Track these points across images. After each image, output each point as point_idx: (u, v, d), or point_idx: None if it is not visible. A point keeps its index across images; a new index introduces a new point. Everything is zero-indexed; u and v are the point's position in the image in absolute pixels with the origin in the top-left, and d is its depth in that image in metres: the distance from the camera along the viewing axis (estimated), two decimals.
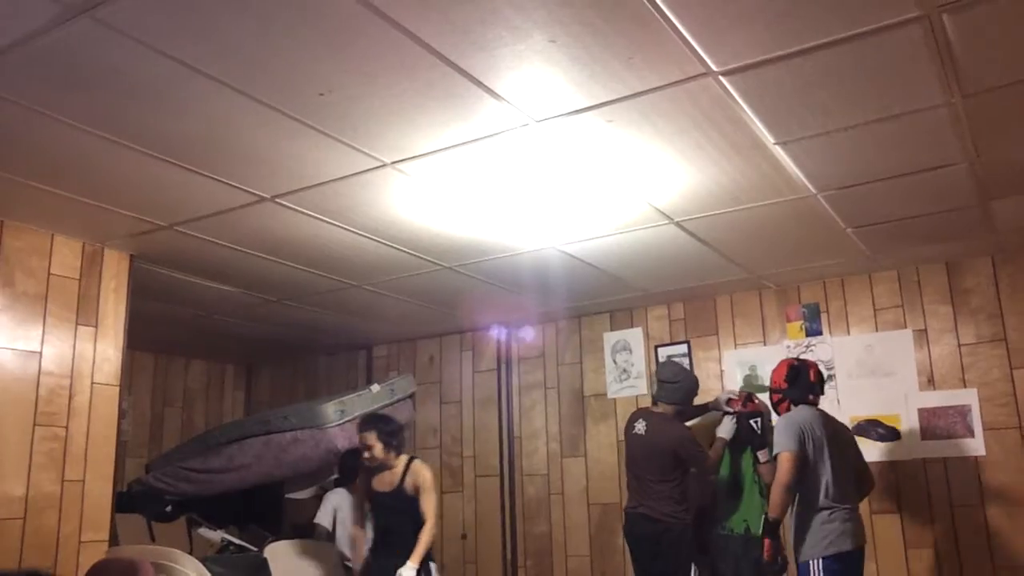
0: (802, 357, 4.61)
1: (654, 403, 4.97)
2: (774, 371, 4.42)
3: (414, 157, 3.29)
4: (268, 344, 6.72)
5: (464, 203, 3.82)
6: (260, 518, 6.01)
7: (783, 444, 4.03)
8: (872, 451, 5.02)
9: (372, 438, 4.58)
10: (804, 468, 4.00)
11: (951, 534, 4.78)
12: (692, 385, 4.94)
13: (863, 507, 4.42)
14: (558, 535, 5.96)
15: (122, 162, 3.25)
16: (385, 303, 5.53)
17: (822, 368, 4.50)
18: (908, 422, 4.98)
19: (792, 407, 4.24)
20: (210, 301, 5.34)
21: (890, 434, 5.01)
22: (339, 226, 4.03)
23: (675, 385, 4.88)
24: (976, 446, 4.79)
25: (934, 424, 4.91)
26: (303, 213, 3.85)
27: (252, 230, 4.07)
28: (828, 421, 4.22)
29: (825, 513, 3.99)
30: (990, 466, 4.75)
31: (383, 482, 4.64)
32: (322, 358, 7.15)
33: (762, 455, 4.65)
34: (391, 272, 4.84)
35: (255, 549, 5.37)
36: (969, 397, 4.85)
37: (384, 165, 3.35)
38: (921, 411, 4.96)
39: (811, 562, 3.94)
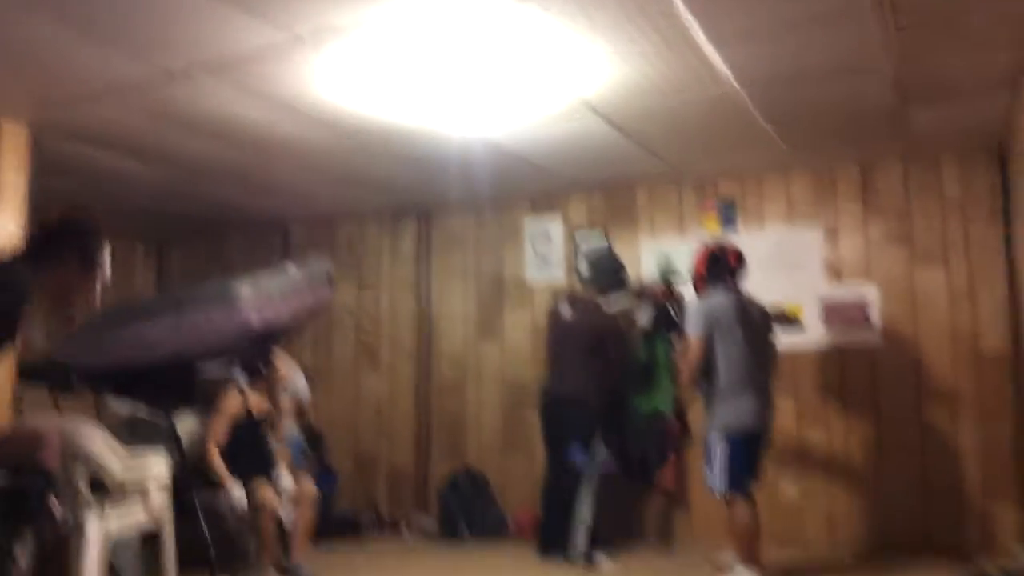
0: (723, 244, 4.64)
1: (581, 288, 5.07)
2: (695, 257, 4.53)
3: (334, 31, 3.13)
4: (180, 223, 6.51)
5: (388, 84, 3.69)
6: (171, 393, 5.94)
7: (691, 328, 4.25)
8: (776, 340, 5.23)
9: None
10: (711, 350, 4.19)
11: (843, 419, 5.09)
12: (619, 273, 5.07)
13: None
14: (471, 412, 6.12)
15: (23, 28, 3.01)
16: (302, 183, 5.38)
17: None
18: (811, 313, 5.20)
19: (711, 291, 4.36)
20: (118, 177, 5.10)
21: (793, 324, 5.22)
22: (254, 101, 3.86)
23: (603, 272, 4.99)
24: (873, 338, 5.05)
25: (835, 316, 5.14)
26: (215, 86, 3.66)
27: (163, 104, 3.86)
28: (743, 305, 4.32)
29: (733, 392, 4.17)
30: (884, 355, 5.02)
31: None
32: (237, 238, 6.97)
33: (679, 341, 4.83)
34: (308, 152, 4.69)
35: (164, 421, 5.32)
36: (870, 292, 5.08)
37: (303, 39, 3.19)
38: (825, 303, 5.18)
39: (716, 437, 4.17)
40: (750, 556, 4.14)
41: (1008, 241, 4.78)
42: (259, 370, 4.78)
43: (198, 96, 3.76)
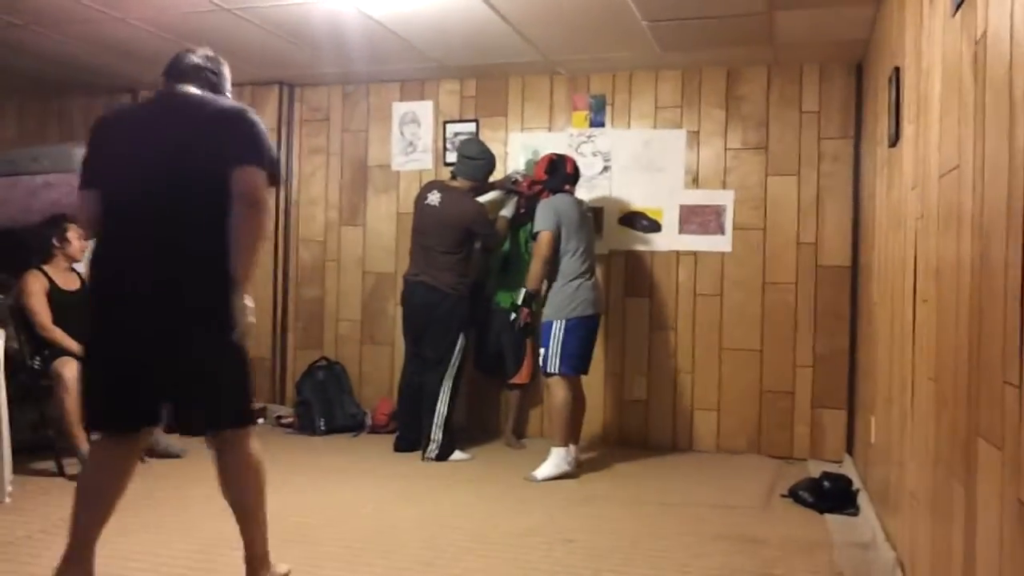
0: (561, 153, 4.87)
1: (452, 177, 5.00)
2: (536, 164, 4.85)
3: None
4: (14, 77, 5.93)
5: None
6: (3, 264, 5.56)
7: (542, 224, 4.52)
8: (635, 241, 5.37)
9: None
10: (558, 245, 4.50)
11: (691, 319, 5.31)
12: (492, 164, 5.04)
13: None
14: (330, 300, 6.01)
15: None
16: (151, 42, 4.97)
17: (580, 163, 4.90)
18: (670, 216, 5.34)
19: (551, 195, 4.63)
20: None
21: (652, 226, 5.36)
22: None
23: (477, 162, 4.93)
24: (724, 243, 5.24)
25: (692, 220, 5.30)
26: None
27: None
28: (579, 205, 4.68)
29: (576, 282, 4.50)
30: (733, 261, 5.24)
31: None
32: (80, 99, 6.43)
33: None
34: (160, 6, 4.34)
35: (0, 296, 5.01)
36: (726, 198, 5.25)
37: None
38: (682, 207, 5.32)
39: (555, 322, 4.48)
40: (566, 436, 4.47)
41: (857, 158, 5.01)
42: (52, 245, 4.55)
43: None
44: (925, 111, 2.63)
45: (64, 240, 4.60)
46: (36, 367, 4.44)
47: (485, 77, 5.65)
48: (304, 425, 5.54)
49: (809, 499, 4.01)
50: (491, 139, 5.54)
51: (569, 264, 4.51)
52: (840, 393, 5.04)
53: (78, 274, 4.71)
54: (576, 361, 4.50)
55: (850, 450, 4.91)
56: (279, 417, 5.76)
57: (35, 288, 4.47)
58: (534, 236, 4.62)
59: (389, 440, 5.14)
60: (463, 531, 3.51)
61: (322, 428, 5.48)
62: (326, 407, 5.57)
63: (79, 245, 4.66)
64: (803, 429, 5.11)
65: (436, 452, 4.78)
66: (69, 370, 4.24)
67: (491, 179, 5.11)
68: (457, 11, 4.30)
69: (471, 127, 5.69)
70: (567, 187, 4.68)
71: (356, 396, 5.78)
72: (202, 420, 2.58)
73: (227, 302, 2.44)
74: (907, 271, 2.88)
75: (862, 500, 3.95)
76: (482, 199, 5.09)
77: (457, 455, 4.84)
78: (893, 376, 3.20)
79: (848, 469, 4.55)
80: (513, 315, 4.70)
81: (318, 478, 4.35)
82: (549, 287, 4.58)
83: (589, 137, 5.47)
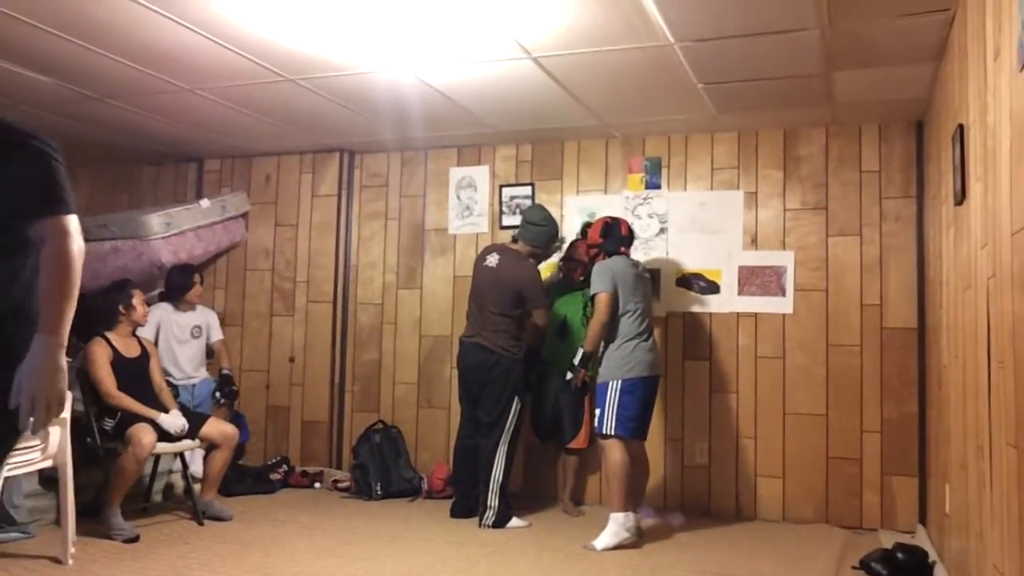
0: (616, 216, 4.85)
1: (513, 240, 5.02)
2: (590, 228, 4.80)
3: None
4: (87, 146, 6.18)
5: (314, 10, 3.54)
6: (73, 327, 5.71)
7: (600, 286, 4.50)
8: (693, 302, 5.30)
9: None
10: (616, 307, 4.46)
11: (752, 383, 5.19)
12: (554, 232, 5.05)
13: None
14: (387, 362, 6.03)
15: None
16: (220, 112, 5.16)
17: (633, 226, 4.90)
18: (729, 278, 5.27)
19: (607, 258, 4.61)
20: (18, 90, 4.79)
21: (711, 287, 5.29)
22: (170, 17, 3.65)
23: (540, 228, 4.95)
24: (786, 304, 5.15)
25: (751, 281, 5.22)
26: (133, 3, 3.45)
27: (69, 10, 3.61)
28: (635, 267, 4.64)
29: (632, 342, 4.45)
30: (795, 323, 5.13)
31: None
32: (148, 168, 6.68)
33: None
34: (227, 78, 4.49)
35: (67, 359, 5.13)
36: (786, 259, 5.17)
37: None
38: (741, 269, 5.25)
39: (611, 382, 4.41)
40: (625, 502, 4.31)
41: (920, 216, 4.91)
42: (118, 313, 4.66)
43: (109, 7, 3.53)
44: (993, 168, 2.56)
45: (130, 307, 4.71)
46: (107, 428, 4.52)
47: (540, 141, 5.71)
48: (360, 489, 5.52)
49: (883, 572, 3.83)
50: (547, 202, 5.57)
51: (626, 325, 4.47)
52: (911, 460, 4.85)
53: (139, 339, 4.82)
54: (632, 423, 4.39)
55: (923, 520, 4.70)
56: (335, 481, 5.74)
57: (100, 357, 4.58)
58: (592, 299, 4.60)
59: (446, 505, 5.08)
60: None
61: (378, 492, 5.45)
62: (383, 471, 5.54)
63: (143, 311, 4.79)
64: (872, 497, 4.92)
65: (493, 519, 4.71)
66: (148, 436, 4.34)
67: (552, 243, 5.10)
68: (513, 77, 4.36)
69: (527, 191, 5.74)
70: (623, 249, 4.66)
71: (412, 460, 5.75)
72: None
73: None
74: (980, 332, 2.78)
75: (939, 573, 3.76)
76: (541, 262, 5.08)
77: (514, 522, 4.76)
78: (968, 442, 3.07)
79: (922, 540, 4.35)
80: (570, 375, 4.66)
81: (374, 546, 4.30)
82: (606, 348, 4.54)
83: (645, 199, 5.46)
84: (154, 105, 5.04)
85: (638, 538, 4.36)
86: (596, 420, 4.46)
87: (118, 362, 4.63)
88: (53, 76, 4.53)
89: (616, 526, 4.28)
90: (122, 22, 3.71)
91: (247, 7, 3.53)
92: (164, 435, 4.49)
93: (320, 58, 4.12)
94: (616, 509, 4.33)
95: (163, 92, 4.75)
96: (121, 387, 4.55)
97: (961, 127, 3.20)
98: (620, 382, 4.39)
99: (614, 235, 4.66)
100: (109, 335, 4.69)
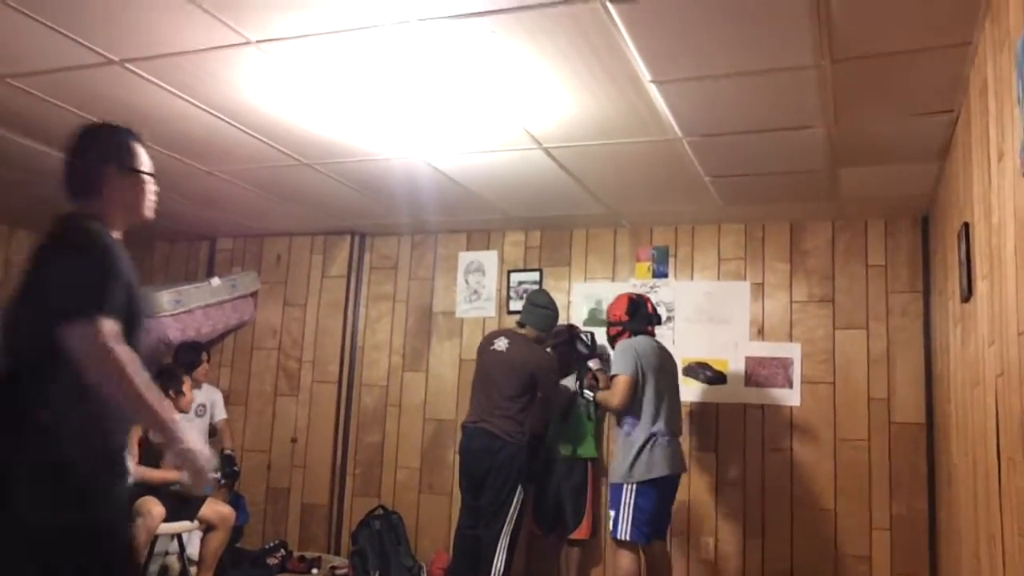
0: (639, 293, 4.76)
1: (520, 325, 5.02)
2: (613, 305, 4.57)
3: (281, 39, 3.07)
4: None
5: (330, 98, 3.64)
6: None
7: (621, 367, 4.22)
8: (698, 392, 5.28)
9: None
10: (636, 392, 4.19)
11: (760, 474, 5.12)
12: (557, 316, 5.07)
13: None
14: (390, 446, 5.98)
15: None
16: (235, 193, 5.25)
17: (658, 306, 4.76)
18: (735, 368, 5.26)
19: (631, 337, 4.38)
20: (39, 167, 4.88)
21: (717, 377, 5.27)
22: (192, 103, 3.75)
23: (547, 312, 4.98)
24: (793, 396, 5.12)
25: (758, 372, 5.21)
26: (153, 83, 3.55)
27: (95, 94, 3.73)
28: (661, 352, 4.42)
29: (651, 441, 4.15)
30: (802, 415, 5.09)
31: None
32: (160, 244, 6.77)
33: (594, 363, 4.84)
34: (244, 161, 4.59)
35: None
36: (793, 351, 5.17)
37: (248, 43, 3.12)
38: (748, 359, 5.24)
39: (625, 485, 4.13)
40: None
41: (927, 311, 4.92)
42: (167, 396, 4.64)
43: (132, 90, 3.64)
44: (999, 267, 2.58)
45: (180, 393, 4.71)
46: None
47: (549, 228, 5.79)
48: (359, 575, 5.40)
49: None
50: (554, 288, 5.61)
51: (646, 416, 4.17)
52: (921, 557, 4.74)
53: None
54: (648, 527, 4.13)
55: None
56: (333, 568, 5.62)
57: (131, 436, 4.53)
58: (592, 365, 4.48)
59: None
60: None
61: None
62: (382, 559, 5.44)
63: (189, 398, 4.79)
64: None
65: None
66: (157, 507, 4.32)
67: (554, 327, 5.13)
68: (523, 165, 4.44)
69: (535, 276, 5.78)
70: (649, 328, 4.42)
71: (412, 547, 5.64)
72: None
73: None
74: (989, 429, 2.76)
75: None
76: (548, 347, 5.09)
77: None
78: (980, 539, 3.01)
79: None
80: (575, 466, 4.58)
81: None
82: (622, 439, 4.25)
83: (652, 288, 5.50)
84: (172, 185, 5.12)
85: None
86: (611, 523, 4.19)
87: (145, 445, 4.59)
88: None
89: None
90: (149, 107, 3.82)
91: (267, 96, 3.63)
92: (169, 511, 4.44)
93: (336, 143, 4.22)
94: None
95: (181, 173, 4.85)
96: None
97: (966, 225, 3.24)
98: (635, 486, 4.12)
99: (641, 312, 4.42)
100: None
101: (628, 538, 4.10)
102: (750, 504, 5.12)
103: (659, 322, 4.50)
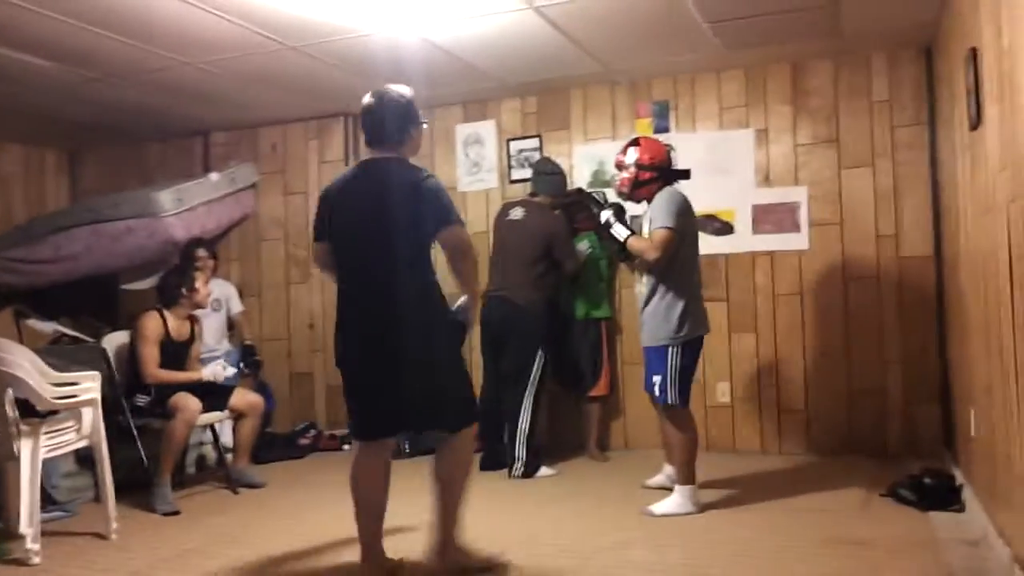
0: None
1: (533, 194, 5.02)
2: (644, 147, 3.96)
3: None
4: (93, 128, 6.18)
5: None
6: (94, 309, 5.77)
7: (666, 219, 3.76)
8: (707, 244, 5.28)
9: None
10: (679, 248, 3.82)
11: (771, 321, 5.21)
12: (566, 178, 5.09)
13: None
14: None
15: None
16: (222, 85, 5.14)
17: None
18: (742, 217, 5.25)
19: (664, 186, 3.91)
20: (22, 76, 4.78)
21: (725, 228, 5.28)
22: None
23: (556, 177, 5.02)
24: (801, 241, 5.14)
25: (765, 219, 5.21)
26: None
27: None
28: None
29: (694, 297, 3.90)
30: (811, 259, 5.13)
31: None
32: (154, 145, 6.66)
33: (620, 231, 4.02)
34: (227, 49, 4.46)
35: (91, 340, 5.18)
36: (799, 195, 5.15)
37: None
38: (755, 207, 5.23)
39: (670, 348, 3.84)
40: (692, 474, 3.90)
41: (932, 144, 4.87)
42: (180, 294, 4.66)
43: None
44: (1010, 90, 2.53)
45: (193, 290, 4.71)
46: (140, 405, 4.57)
47: (546, 92, 5.67)
48: None
49: (910, 497, 3.88)
50: (555, 153, 5.55)
51: (686, 272, 3.85)
52: (933, 388, 4.87)
53: (191, 320, 4.83)
54: (690, 389, 3.92)
55: (948, 445, 4.74)
56: None
57: (151, 332, 4.57)
58: (619, 234, 3.99)
59: (475, 460, 5.13)
60: (558, 547, 3.49)
61: (407, 451, 5.51)
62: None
63: (205, 292, 4.80)
64: (896, 427, 4.96)
65: (522, 470, 4.77)
66: (194, 402, 4.41)
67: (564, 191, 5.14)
68: (515, 29, 4.32)
69: (535, 143, 5.71)
70: (680, 181, 3.97)
71: None
72: (438, 421, 3.23)
73: (436, 320, 3.07)
74: (1000, 256, 2.77)
75: (967, 495, 3.81)
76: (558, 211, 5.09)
77: (544, 471, 4.83)
78: (992, 366, 3.08)
79: (947, 465, 4.39)
80: (590, 326, 4.64)
81: (407, 500, 4.37)
82: (661, 299, 3.86)
83: None
84: (156, 81, 5.02)
85: (700, 512, 3.88)
86: (656, 388, 3.88)
87: (166, 342, 4.63)
88: (55, 60, 4.51)
89: (682, 498, 3.88)
90: (125, 1, 3.69)
91: None
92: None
93: (319, 22, 4.09)
94: (682, 482, 3.90)
95: (164, 68, 4.73)
96: (161, 366, 4.58)
97: (974, 50, 3.16)
98: (681, 347, 3.83)
99: (676, 163, 3.94)
100: (167, 313, 4.67)
101: (678, 402, 3.85)
102: (763, 349, 5.22)
103: (687, 176, 4.00)
